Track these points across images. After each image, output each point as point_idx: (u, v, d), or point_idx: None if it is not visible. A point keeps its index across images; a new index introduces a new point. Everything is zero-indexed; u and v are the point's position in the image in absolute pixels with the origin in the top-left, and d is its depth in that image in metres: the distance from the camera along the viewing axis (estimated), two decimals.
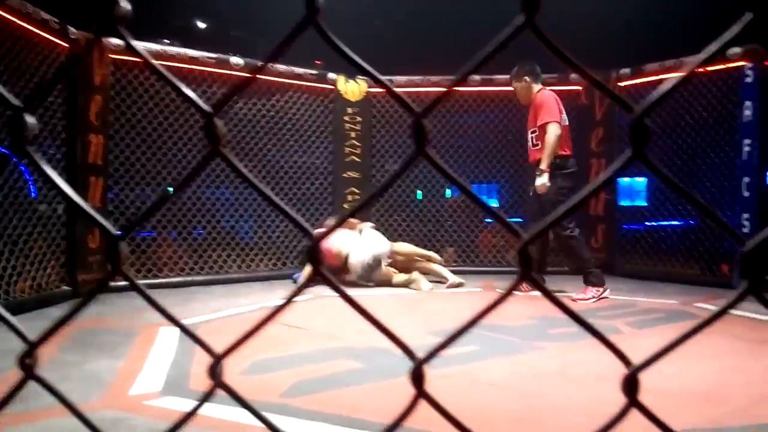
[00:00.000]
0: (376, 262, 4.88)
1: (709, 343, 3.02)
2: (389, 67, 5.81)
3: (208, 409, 2.03)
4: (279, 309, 0.46)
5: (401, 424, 0.46)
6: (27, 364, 0.50)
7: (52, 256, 4.08)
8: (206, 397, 0.49)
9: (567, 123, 4.50)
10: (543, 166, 4.25)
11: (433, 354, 0.45)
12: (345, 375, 2.41)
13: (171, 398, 2.16)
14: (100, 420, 1.94)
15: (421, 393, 0.45)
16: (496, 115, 6.07)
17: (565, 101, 5.93)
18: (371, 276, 4.89)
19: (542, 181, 4.28)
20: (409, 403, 0.45)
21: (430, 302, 4.31)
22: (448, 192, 6.63)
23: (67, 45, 4.15)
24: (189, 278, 5.07)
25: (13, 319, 0.52)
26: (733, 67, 4.90)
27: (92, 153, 4.35)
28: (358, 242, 4.96)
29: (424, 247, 5.73)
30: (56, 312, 3.72)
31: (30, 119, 0.49)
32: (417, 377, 0.45)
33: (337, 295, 0.47)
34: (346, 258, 4.90)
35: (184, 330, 0.49)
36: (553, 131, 4.28)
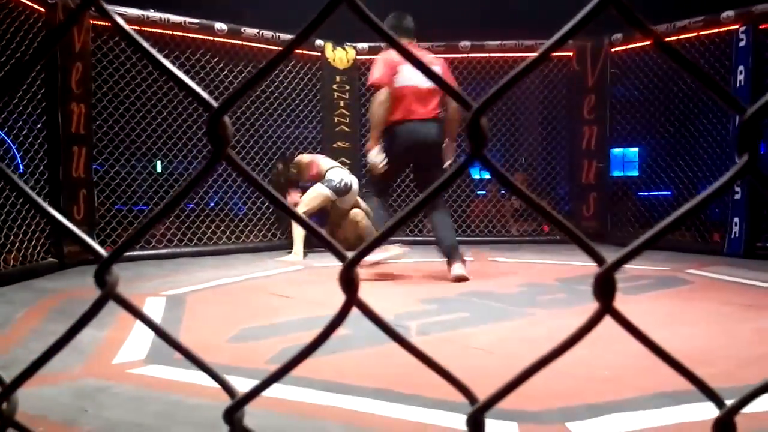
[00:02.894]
0: (347, 187, 5.14)
1: (698, 307, 3.01)
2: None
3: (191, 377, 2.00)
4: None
5: (331, 334, 0.42)
6: None
7: (38, 227, 4.02)
8: None
9: (408, 84, 3.75)
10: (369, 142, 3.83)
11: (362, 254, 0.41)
12: (332, 342, 2.35)
13: (155, 366, 2.13)
14: (82, 388, 1.91)
15: (353, 299, 0.41)
16: (487, 83, 5.98)
17: (557, 67, 5.88)
18: (344, 199, 5.16)
19: (370, 158, 3.87)
20: (340, 310, 0.41)
21: (419, 271, 4.29)
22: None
23: (43, 10, 4.02)
24: (178, 250, 5.02)
25: None
26: (725, 31, 4.83)
27: (74, 122, 4.26)
28: (338, 167, 5.31)
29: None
30: (41, 283, 3.68)
31: None
32: (347, 280, 0.40)
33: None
34: (326, 173, 5.16)
35: None
36: (375, 98, 3.76)
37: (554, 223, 0.39)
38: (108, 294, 0.40)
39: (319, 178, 5.16)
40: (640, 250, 0.37)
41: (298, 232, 4.94)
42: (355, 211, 5.28)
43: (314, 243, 5.40)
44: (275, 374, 0.42)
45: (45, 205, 0.42)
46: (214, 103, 0.40)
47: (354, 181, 5.25)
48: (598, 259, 0.37)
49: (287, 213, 0.42)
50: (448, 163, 3.94)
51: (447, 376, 0.41)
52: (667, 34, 5.21)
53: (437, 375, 0.42)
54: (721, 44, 4.89)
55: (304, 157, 5.30)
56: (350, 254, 0.41)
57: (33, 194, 0.43)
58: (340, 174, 5.18)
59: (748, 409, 0.48)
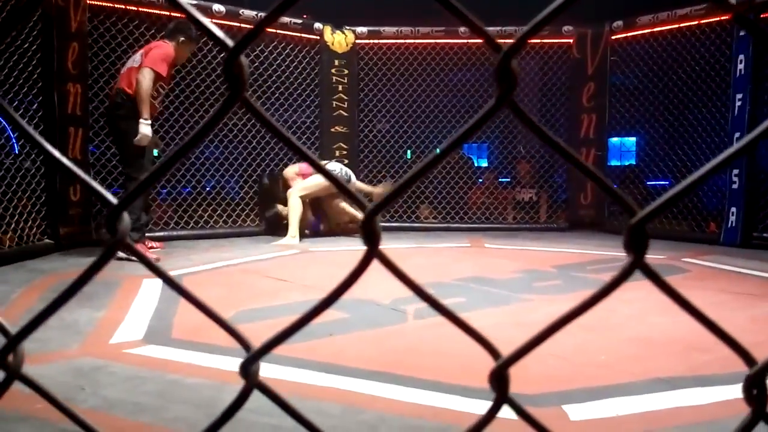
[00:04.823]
0: (347, 176, 5.23)
1: (694, 295, 3.01)
2: (379, 18, 5.67)
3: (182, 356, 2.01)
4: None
5: (355, 281, 0.42)
6: None
7: (33, 209, 4.00)
8: None
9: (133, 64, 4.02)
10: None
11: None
12: (330, 325, 2.38)
13: (152, 347, 2.13)
14: (79, 367, 1.91)
15: (374, 251, 0.40)
16: (486, 69, 5.94)
17: (557, 55, 5.86)
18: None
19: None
20: (361, 260, 0.41)
21: (415, 257, 4.29)
22: (438, 151, 6.57)
23: None
24: (175, 233, 5.01)
25: None
26: (726, 19, 4.80)
27: (70, 103, 4.22)
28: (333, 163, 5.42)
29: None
30: (37, 264, 3.67)
31: None
32: (369, 231, 0.40)
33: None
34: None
35: None
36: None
37: (584, 171, 0.38)
38: (120, 241, 0.39)
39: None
40: (674, 201, 0.37)
41: (294, 215, 4.93)
42: (342, 204, 5.36)
43: (308, 230, 5.39)
44: (293, 326, 0.41)
45: (49, 147, 0.41)
46: (230, 42, 0.38)
47: (351, 175, 5.32)
48: (630, 210, 0.36)
49: (307, 160, 0.41)
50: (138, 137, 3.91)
51: (470, 332, 0.40)
52: (668, 21, 5.19)
53: (461, 333, 0.41)
54: (722, 33, 4.87)
55: (291, 169, 5.29)
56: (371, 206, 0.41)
57: (37, 135, 0.42)
58: (336, 165, 5.28)
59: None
